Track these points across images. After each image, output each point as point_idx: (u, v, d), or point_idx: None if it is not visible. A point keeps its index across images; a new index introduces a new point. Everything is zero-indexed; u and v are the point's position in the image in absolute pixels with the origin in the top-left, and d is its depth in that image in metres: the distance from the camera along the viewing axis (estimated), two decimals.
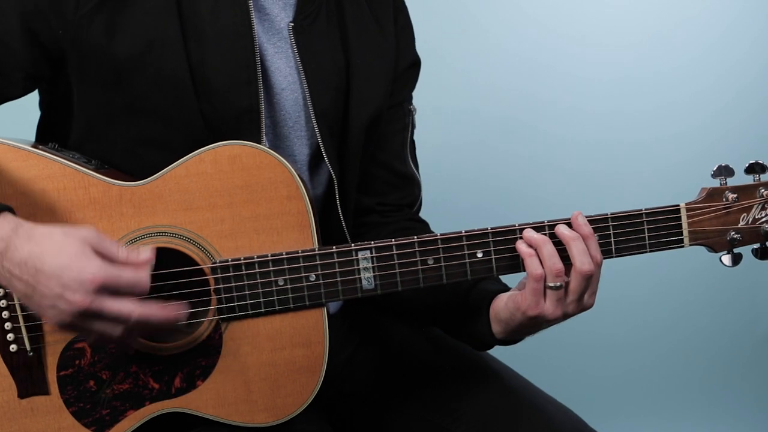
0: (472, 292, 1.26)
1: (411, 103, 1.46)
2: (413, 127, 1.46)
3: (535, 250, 1.16)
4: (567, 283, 1.16)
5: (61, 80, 1.25)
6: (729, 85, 2.44)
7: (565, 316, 1.18)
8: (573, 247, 1.16)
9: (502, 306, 1.21)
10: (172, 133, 1.22)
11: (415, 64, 1.46)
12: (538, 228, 1.19)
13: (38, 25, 1.19)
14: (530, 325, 1.18)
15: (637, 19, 2.43)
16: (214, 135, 1.21)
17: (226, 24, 1.23)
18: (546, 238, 1.16)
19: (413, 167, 1.46)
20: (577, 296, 1.16)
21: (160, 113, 1.21)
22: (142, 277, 1.05)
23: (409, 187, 1.45)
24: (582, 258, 1.15)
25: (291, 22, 1.29)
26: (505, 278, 1.26)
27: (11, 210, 1.08)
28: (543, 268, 1.15)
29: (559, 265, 1.15)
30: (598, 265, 1.17)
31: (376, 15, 1.38)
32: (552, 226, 1.19)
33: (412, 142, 1.47)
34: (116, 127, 1.23)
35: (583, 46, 2.41)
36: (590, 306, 1.19)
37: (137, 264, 1.06)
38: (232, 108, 1.23)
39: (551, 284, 1.15)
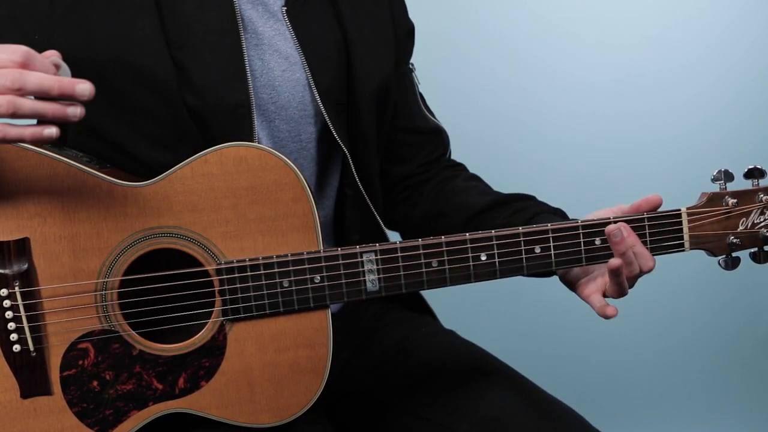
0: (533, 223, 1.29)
1: (411, 64, 1.49)
2: (417, 83, 1.49)
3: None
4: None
5: None
6: (729, 86, 2.44)
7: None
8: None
9: (581, 284, 1.26)
10: (161, 129, 1.22)
11: (411, 31, 1.49)
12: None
13: (11, 31, 1.18)
14: None
15: (638, 20, 2.43)
16: (204, 130, 1.22)
17: (211, 21, 1.23)
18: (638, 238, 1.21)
19: (433, 119, 1.49)
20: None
21: (146, 110, 1.21)
22: (51, 82, 1.00)
23: (438, 139, 1.49)
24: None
25: (284, 6, 1.29)
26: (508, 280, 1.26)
27: None
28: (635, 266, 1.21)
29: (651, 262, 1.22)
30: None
31: None
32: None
33: (422, 96, 1.50)
34: (105, 125, 1.22)
35: (582, 47, 2.41)
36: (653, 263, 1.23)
37: (66, 82, 1.02)
38: (222, 104, 1.23)
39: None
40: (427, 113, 1.48)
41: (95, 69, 1.19)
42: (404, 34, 1.46)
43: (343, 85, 1.34)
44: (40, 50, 1.15)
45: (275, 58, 1.29)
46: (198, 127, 1.22)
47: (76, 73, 1.17)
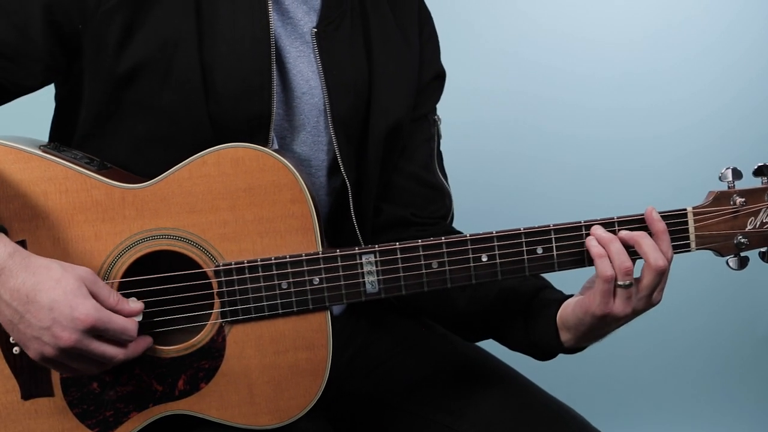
0: (533, 303, 1.25)
1: (435, 114, 1.45)
2: (439, 137, 1.45)
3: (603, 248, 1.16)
4: (637, 280, 1.16)
5: (73, 73, 1.25)
6: (730, 84, 2.43)
7: (635, 314, 1.17)
8: (643, 244, 1.15)
9: (569, 312, 1.20)
10: (179, 132, 1.21)
11: (439, 76, 1.45)
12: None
13: (60, 18, 1.19)
14: (600, 326, 1.18)
15: (639, 18, 2.42)
16: (221, 138, 1.20)
17: (244, 28, 1.22)
18: (614, 236, 1.16)
19: (442, 178, 1.44)
20: (648, 292, 1.16)
21: (168, 112, 1.21)
22: (131, 325, 1.10)
23: (440, 199, 1.43)
24: (655, 254, 1.15)
25: (314, 27, 1.28)
26: None
27: (5, 231, 1.10)
28: (613, 268, 1.15)
29: (628, 263, 1.15)
30: (670, 261, 1.17)
31: (402, 25, 1.38)
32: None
33: (439, 153, 1.45)
34: (124, 123, 1.22)
35: (584, 45, 2.40)
36: (658, 302, 1.19)
37: (127, 312, 1.10)
38: (243, 112, 1.23)
39: (621, 283, 1.14)
40: (437, 169, 1.43)
41: (129, 66, 1.19)
42: (430, 78, 1.42)
43: (359, 116, 1.32)
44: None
45: (297, 80, 1.28)
46: (215, 134, 1.21)
47: (109, 67, 1.19)
